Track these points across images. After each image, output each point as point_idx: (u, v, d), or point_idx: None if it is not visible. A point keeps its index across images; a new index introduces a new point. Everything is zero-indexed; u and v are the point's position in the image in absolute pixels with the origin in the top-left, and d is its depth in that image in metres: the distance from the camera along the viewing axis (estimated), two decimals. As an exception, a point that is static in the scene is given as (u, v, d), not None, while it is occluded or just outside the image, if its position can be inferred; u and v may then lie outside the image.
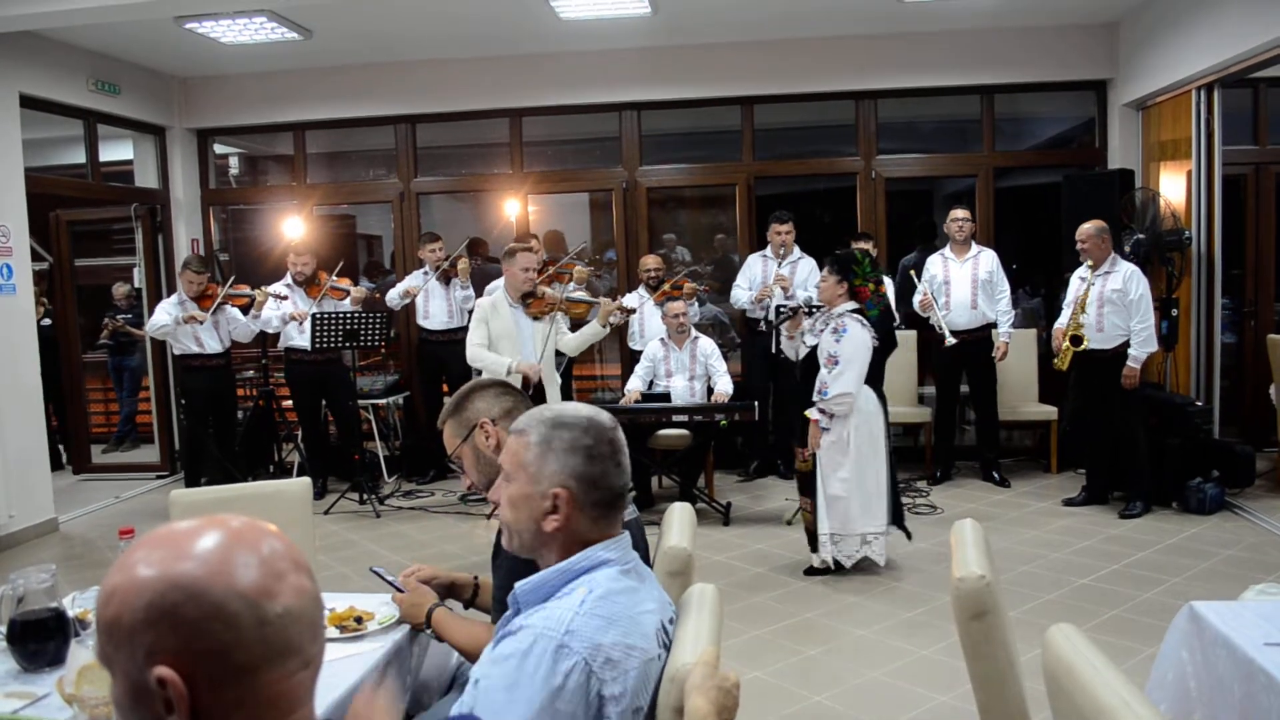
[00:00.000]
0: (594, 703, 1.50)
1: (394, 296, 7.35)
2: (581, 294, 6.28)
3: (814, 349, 4.96)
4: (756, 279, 7.13)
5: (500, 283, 7.11)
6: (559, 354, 5.84)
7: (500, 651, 1.54)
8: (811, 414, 4.86)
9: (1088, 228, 5.85)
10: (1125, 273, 5.80)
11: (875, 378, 4.92)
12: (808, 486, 5.01)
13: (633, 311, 6.69)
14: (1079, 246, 5.87)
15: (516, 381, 5.31)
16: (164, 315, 6.61)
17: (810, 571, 5.06)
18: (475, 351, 5.43)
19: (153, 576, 0.98)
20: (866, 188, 7.78)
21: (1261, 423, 7.24)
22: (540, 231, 8.18)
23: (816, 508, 4.95)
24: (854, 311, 4.85)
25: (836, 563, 4.97)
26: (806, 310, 5.32)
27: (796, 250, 7.05)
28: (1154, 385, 6.25)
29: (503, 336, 5.43)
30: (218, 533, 1.03)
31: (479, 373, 7.88)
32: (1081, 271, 5.96)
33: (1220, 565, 4.96)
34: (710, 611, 1.81)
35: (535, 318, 5.50)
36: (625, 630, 1.58)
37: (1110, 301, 5.80)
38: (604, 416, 1.75)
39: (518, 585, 1.69)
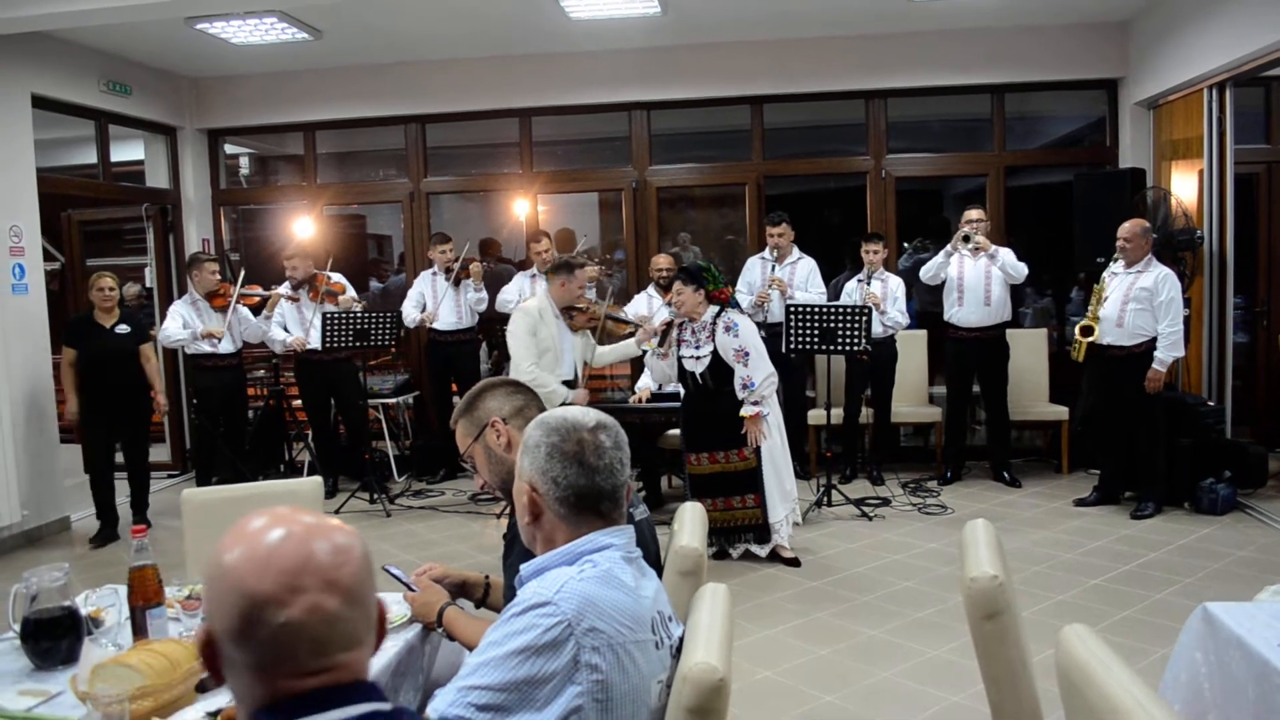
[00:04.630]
0: (569, 665, 1.52)
1: (411, 314, 7.30)
2: (622, 314, 6.29)
3: (715, 355, 5.15)
4: (756, 282, 7.11)
5: (515, 285, 7.21)
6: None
7: (503, 613, 1.62)
8: (749, 410, 5.11)
9: (1132, 227, 5.79)
10: (1158, 274, 5.73)
11: None
12: (751, 482, 5.21)
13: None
14: (1120, 244, 5.81)
15: (584, 347, 5.50)
16: (179, 328, 6.59)
17: (791, 562, 5.27)
18: (536, 375, 5.18)
19: (222, 548, 1.11)
20: (876, 187, 7.76)
21: (1274, 423, 7.22)
22: (551, 231, 8.18)
23: (765, 499, 5.21)
24: (722, 310, 5.20)
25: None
26: (679, 324, 5.37)
27: (796, 251, 7.03)
28: (1166, 386, 6.22)
29: (548, 349, 5.37)
30: (278, 532, 1.11)
31: (491, 372, 7.93)
32: (1114, 268, 5.92)
33: (1233, 566, 4.94)
34: (722, 611, 1.81)
35: (574, 330, 5.53)
36: (617, 605, 1.59)
37: (1136, 299, 5.74)
38: (588, 417, 1.75)
39: (523, 567, 1.74)
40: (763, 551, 5.30)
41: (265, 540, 1.10)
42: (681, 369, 5.32)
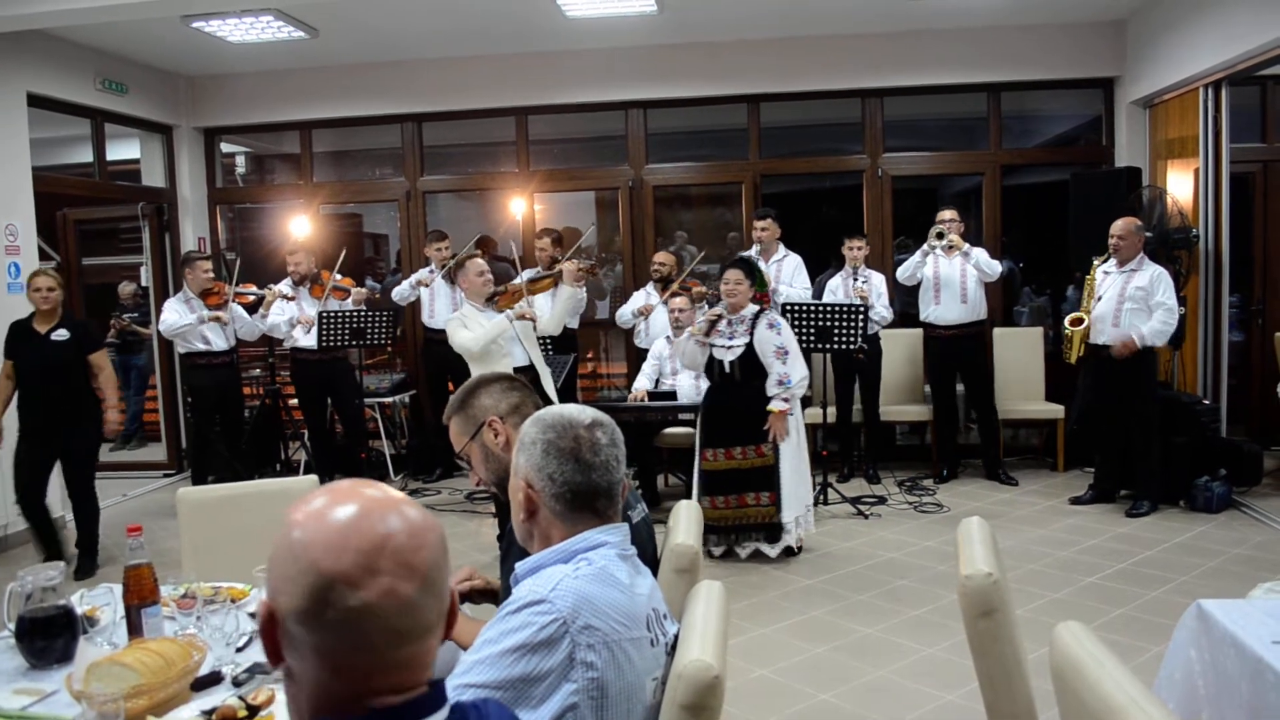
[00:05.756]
0: (564, 663, 1.52)
1: (404, 289, 7.35)
2: (538, 270, 6.35)
3: (749, 348, 5.18)
4: None
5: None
6: (548, 340, 5.85)
7: (499, 611, 1.61)
8: (779, 405, 5.12)
9: (1125, 224, 5.79)
10: (1153, 273, 5.74)
11: None
12: (768, 480, 5.21)
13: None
14: (1112, 242, 5.81)
15: (523, 329, 5.43)
16: (179, 316, 6.53)
17: (787, 552, 5.33)
18: (468, 338, 5.18)
19: (288, 526, 1.05)
20: (873, 186, 7.76)
21: (1269, 421, 7.23)
22: (559, 228, 8.15)
23: (780, 498, 5.21)
24: (762, 309, 5.26)
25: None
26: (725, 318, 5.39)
27: (781, 248, 7.02)
28: (1161, 384, 6.24)
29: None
30: (353, 508, 1.05)
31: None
32: (1106, 266, 5.93)
33: (1227, 564, 4.95)
34: (717, 608, 1.81)
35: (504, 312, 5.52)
36: (612, 603, 1.59)
37: (1132, 299, 5.74)
38: (584, 414, 1.76)
39: (518, 565, 1.73)
40: (773, 551, 5.27)
41: (341, 516, 1.04)
42: (710, 359, 5.32)
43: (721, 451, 5.27)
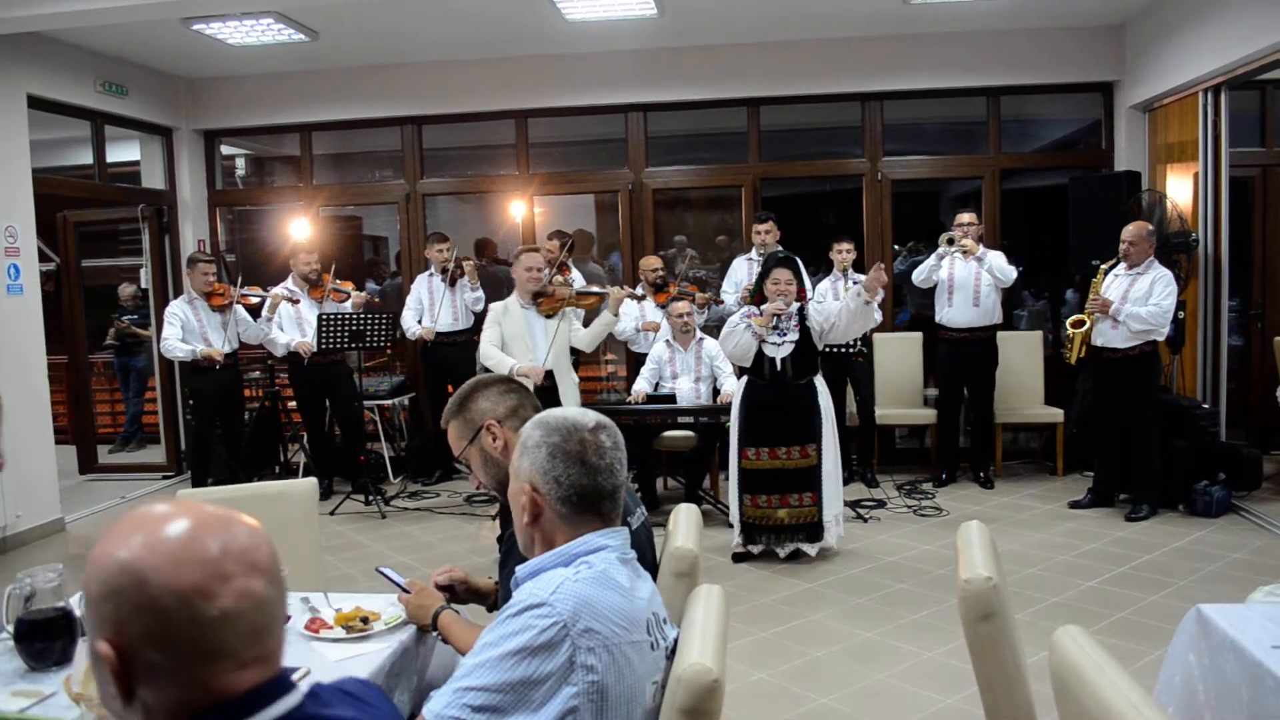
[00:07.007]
0: (565, 666, 1.52)
1: (411, 328, 7.28)
2: (592, 287, 6.33)
3: (799, 344, 5.20)
4: (741, 282, 7.11)
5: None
6: (575, 350, 5.88)
7: (498, 614, 1.61)
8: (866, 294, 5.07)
9: (1136, 230, 5.77)
10: (1155, 275, 5.73)
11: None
12: (810, 481, 5.19)
13: (643, 297, 6.76)
14: (1123, 247, 5.79)
15: (557, 334, 5.55)
16: (178, 341, 6.52)
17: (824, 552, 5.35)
18: (485, 349, 5.55)
19: (114, 556, 1.03)
20: (873, 189, 7.77)
21: (1268, 425, 7.23)
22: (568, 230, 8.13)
23: (821, 497, 5.20)
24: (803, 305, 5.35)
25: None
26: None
27: (781, 251, 7.01)
28: (1161, 388, 6.23)
29: (515, 337, 5.51)
30: (182, 523, 1.05)
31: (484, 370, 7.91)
32: (1116, 270, 5.91)
33: (1227, 568, 4.94)
34: (717, 612, 1.81)
35: (548, 315, 5.55)
36: (613, 606, 1.59)
37: (1134, 301, 5.73)
38: (587, 418, 1.76)
39: (519, 568, 1.73)
40: (813, 551, 5.28)
41: (174, 533, 1.03)
42: (759, 357, 5.27)
43: (765, 451, 5.23)
